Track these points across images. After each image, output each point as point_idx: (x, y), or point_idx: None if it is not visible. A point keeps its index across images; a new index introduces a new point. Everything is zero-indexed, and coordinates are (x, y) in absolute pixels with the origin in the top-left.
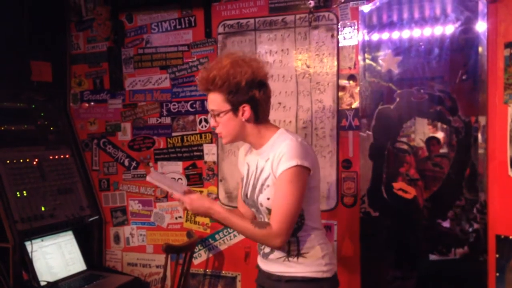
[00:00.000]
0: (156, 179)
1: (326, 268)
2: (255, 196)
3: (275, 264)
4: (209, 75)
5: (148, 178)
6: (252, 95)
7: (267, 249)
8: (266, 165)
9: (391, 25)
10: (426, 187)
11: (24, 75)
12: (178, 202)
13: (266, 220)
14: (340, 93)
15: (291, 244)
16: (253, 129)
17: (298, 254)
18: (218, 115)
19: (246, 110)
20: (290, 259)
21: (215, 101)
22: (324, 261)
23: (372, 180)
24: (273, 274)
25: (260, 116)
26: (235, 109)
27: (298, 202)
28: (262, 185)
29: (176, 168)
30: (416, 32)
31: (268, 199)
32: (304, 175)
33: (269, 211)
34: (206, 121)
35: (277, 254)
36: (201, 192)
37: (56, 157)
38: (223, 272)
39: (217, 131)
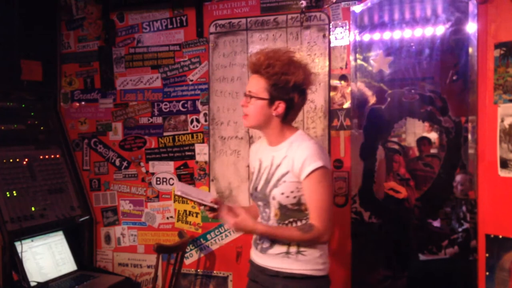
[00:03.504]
0: (184, 193)
1: (322, 267)
2: (268, 190)
3: (273, 259)
4: (265, 60)
5: (177, 192)
6: (292, 97)
7: (266, 244)
8: (283, 162)
9: (382, 26)
10: (417, 186)
11: (14, 74)
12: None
13: (272, 214)
14: (332, 93)
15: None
16: (277, 125)
17: (298, 252)
18: (253, 98)
19: (280, 107)
20: (289, 255)
21: (258, 85)
22: (321, 260)
23: (363, 180)
24: (269, 268)
25: (289, 118)
26: (271, 101)
27: (331, 197)
28: (278, 180)
29: (167, 168)
30: (407, 33)
31: (282, 194)
32: (328, 174)
33: (280, 205)
34: (198, 120)
35: (276, 249)
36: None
37: (47, 156)
38: (215, 272)
39: (244, 111)
